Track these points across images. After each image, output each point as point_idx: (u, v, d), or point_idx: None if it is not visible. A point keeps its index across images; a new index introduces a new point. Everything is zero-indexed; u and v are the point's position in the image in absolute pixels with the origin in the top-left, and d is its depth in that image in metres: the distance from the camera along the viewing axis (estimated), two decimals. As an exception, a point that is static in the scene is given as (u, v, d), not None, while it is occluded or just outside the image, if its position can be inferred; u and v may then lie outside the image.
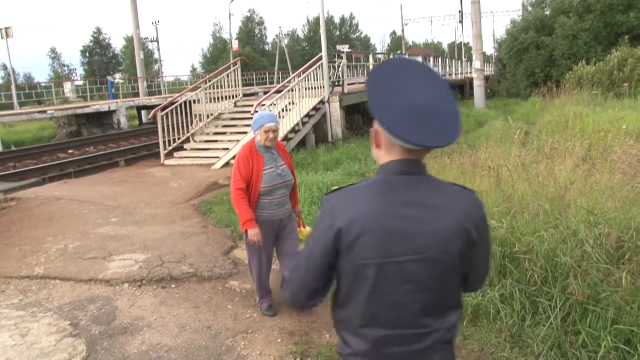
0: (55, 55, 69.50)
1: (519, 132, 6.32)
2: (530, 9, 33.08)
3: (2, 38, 22.79)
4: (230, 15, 44.28)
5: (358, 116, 20.09)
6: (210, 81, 14.23)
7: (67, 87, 35.25)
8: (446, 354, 1.69)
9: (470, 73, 33.88)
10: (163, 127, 12.39)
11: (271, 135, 3.92)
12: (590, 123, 11.99)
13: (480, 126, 18.52)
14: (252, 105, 11.94)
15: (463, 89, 33.55)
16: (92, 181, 10.71)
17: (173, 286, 5.28)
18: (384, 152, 1.63)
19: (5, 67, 64.42)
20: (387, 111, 1.51)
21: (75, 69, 69.52)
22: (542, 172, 4.97)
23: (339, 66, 14.92)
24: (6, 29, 22.78)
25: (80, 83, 40.24)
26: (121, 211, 8.09)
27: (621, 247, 3.69)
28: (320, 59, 13.59)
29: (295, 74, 13.41)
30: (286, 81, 13.69)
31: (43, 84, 39.15)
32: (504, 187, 4.62)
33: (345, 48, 16.93)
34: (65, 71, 68.63)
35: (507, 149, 6.38)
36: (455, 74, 35.69)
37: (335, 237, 1.60)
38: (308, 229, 4.60)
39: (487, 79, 30.59)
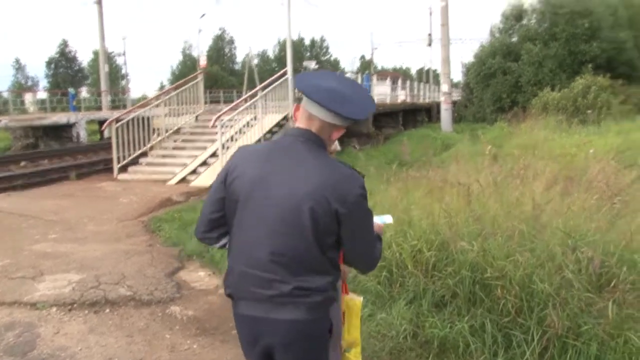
0: (19, 66, 67.88)
1: (490, 148, 5.96)
2: (497, 35, 33.53)
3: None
4: (199, 30, 43.78)
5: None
6: (170, 93, 13.66)
7: (28, 98, 34.10)
8: (298, 315, 1.86)
9: (438, 97, 34.07)
10: (118, 140, 11.77)
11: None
12: (557, 147, 11.88)
13: (447, 148, 18.38)
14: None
15: (430, 112, 33.67)
16: (37, 194, 10.01)
17: (107, 311, 4.70)
18: (297, 123, 2.00)
19: (-37, 78, 62.92)
20: (309, 86, 1.93)
21: (39, 81, 67.89)
22: (515, 191, 4.61)
23: (305, 83, 14.52)
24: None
25: (43, 95, 39.15)
26: (62, 226, 7.45)
27: (604, 274, 3.31)
28: (285, 73, 13.19)
29: (258, 87, 12.97)
30: (247, 95, 13.21)
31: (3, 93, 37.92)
32: (474, 206, 4.23)
33: (312, 64, 16.62)
34: (29, 82, 66.96)
35: (479, 165, 6.03)
36: (423, 98, 35.84)
37: (224, 175, 2.01)
38: (355, 296, 2.59)
39: (454, 103, 30.74)
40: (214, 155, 11.41)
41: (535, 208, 3.68)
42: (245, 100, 12.48)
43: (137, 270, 5.54)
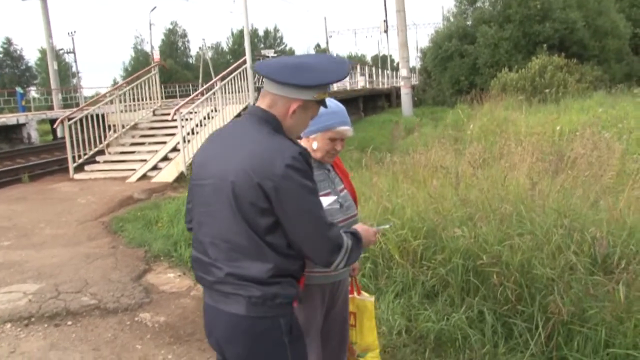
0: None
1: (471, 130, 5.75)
2: (452, 19, 33.67)
3: None
4: (150, 24, 42.63)
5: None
6: (124, 88, 13.06)
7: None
8: (239, 309, 1.75)
9: (396, 83, 34.06)
10: (72, 138, 11.19)
11: (339, 147, 2.39)
12: (522, 126, 11.85)
13: (410, 132, 18.25)
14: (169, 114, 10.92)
15: (389, 97, 33.63)
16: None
17: (69, 323, 4.30)
18: None
19: None
20: (261, 64, 1.87)
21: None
22: (498, 172, 4.40)
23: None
24: None
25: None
26: (16, 232, 6.94)
27: (611, 254, 3.13)
28: (244, 62, 12.77)
29: (216, 78, 12.50)
30: (205, 87, 12.72)
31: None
32: (461, 190, 4.00)
33: (270, 52, 16.20)
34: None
35: (447, 146, 5.82)
36: (382, 84, 35.81)
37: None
38: (366, 296, 2.68)
39: (413, 87, 30.75)
40: (174, 149, 10.95)
41: (532, 187, 3.46)
42: (203, 93, 12.01)
43: (101, 276, 5.14)
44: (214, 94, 11.91)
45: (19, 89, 29.41)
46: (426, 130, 17.58)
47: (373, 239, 2.06)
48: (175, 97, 34.51)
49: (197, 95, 12.18)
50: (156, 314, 4.38)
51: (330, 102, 2.43)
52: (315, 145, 2.36)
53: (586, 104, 16.19)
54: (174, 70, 55.94)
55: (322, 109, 2.45)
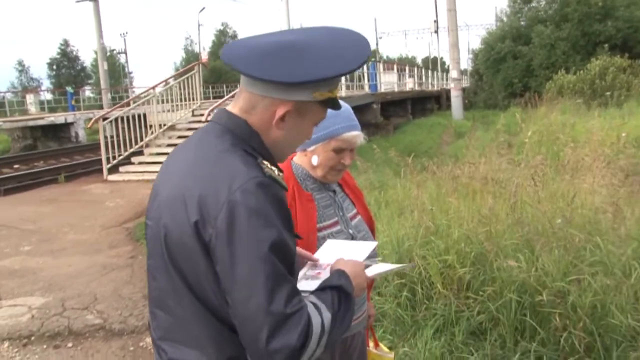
0: (22, 68, 67.22)
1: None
2: (505, 19, 32.40)
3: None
4: (199, 25, 42.99)
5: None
6: (165, 85, 12.82)
7: (30, 98, 33.43)
8: None
9: (446, 85, 33.07)
10: (107, 139, 10.98)
11: (347, 160, 1.79)
12: (582, 132, 10.94)
13: (460, 137, 17.43)
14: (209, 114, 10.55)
15: (439, 99, 32.66)
16: (19, 199, 9.22)
17: (69, 345, 3.88)
18: None
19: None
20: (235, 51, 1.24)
21: (42, 82, 67.30)
22: (562, 188, 3.73)
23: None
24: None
25: (48, 95, 38.55)
26: (39, 237, 6.65)
27: None
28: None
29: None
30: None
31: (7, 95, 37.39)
32: (517, 209, 3.36)
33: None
34: (32, 84, 66.33)
35: (500, 153, 5.15)
36: (432, 86, 34.89)
37: None
38: (385, 351, 2.17)
39: (463, 90, 29.71)
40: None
41: (616, 214, 2.79)
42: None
43: (112, 290, 4.72)
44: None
45: (69, 89, 29.98)
46: (477, 134, 16.74)
47: (358, 282, 1.36)
48: (222, 97, 34.38)
49: (235, 93, 11.76)
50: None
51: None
52: (315, 160, 1.79)
53: (653, 108, 15.02)
54: (223, 70, 56.22)
55: None
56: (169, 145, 12.05)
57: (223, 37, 73.94)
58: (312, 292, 1.22)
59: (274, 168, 1.18)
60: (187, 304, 1.17)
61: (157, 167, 9.87)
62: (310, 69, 1.15)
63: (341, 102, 1.86)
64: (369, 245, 1.61)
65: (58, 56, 64.55)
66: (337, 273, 1.29)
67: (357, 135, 1.77)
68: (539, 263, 2.99)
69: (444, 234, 3.58)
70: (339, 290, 1.23)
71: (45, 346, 3.89)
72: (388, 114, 23.53)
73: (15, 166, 16.48)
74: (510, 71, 28.82)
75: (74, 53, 65.68)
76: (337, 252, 1.55)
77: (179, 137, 12.36)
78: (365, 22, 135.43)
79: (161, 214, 1.20)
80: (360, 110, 19.01)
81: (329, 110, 1.76)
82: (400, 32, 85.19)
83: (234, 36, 75.92)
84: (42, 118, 21.84)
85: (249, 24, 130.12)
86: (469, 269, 3.28)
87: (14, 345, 3.93)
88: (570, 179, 3.83)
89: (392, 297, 3.60)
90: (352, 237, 1.81)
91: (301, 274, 1.50)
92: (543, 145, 9.82)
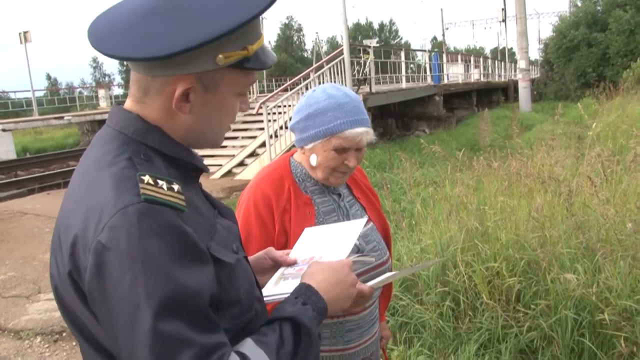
0: (96, 65, 70.27)
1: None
2: (579, 4, 30.68)
3: (21, 42, 22.02)
4: (262, 18, 43.26)
5: (390, 120, 18.44)
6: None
7: (101, 93, 34.74)
8: None
9: (514, 76, 31.77)
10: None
11: (351, 161, 1.49)
12: (662, 124, 10.07)
13: (527, 129, 16.60)
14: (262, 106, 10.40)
15: (507, 91, 31.43)
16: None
17: (98, 344, 3.78)
18: None
19: (49, 77, 66.11)
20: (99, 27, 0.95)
21: (113, 78, 70.08)
22: (632, 188, 3.27)
23: (364, 62, 13.28)
24: (24, 32, 22.00)
25: (119, 90, 39.95)
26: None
27: None
28: (341, 53, 11.99)
29: (310, 69, 11.82)
30: (297, 77, 12.07)
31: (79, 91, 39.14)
32: (577, 212, 2.94)
33: (372, 42, 15.27)
34: (105, 80, 69.19)
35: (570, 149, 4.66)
36: (498, 77, 33.64)
37: None
38: None
39: (532, 81, 28.40)
40: (263, 145, 10.42)
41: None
42: (295, 84, 11.38)
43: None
44: (306, 86, 11.24)
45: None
46: (546, 127, 15.91)
47: (366, 296, 1.14)
48: (285, 90, 34.51)
49: (288, 86, 11.58)
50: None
51: (335, 89, 1.54)
52: (314, 160, 1.51)
53: None
54: (288, 63, 56.57)
55: (321, 101, 1.48)
56: (226, 137, 12.03)
57: (288, 30, 74.35)
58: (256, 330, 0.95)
59: (162, 182, 0.86)
60: (88, 352, 0.91)
61: (210, 160, 9.83)
62: (199, 27, 0.85)
63: (349, 91, 1.55)
64: (357, 224, 1.30)
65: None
66: (296, 292, 1.00)
67: (362, 132, 1.47)
68: (601, 276, 2.58)
69: (492, 238, 3.21)
70: (292, 322, 0.93)
71: (74, 343, 3.81)
72: (452, 106, 22.85)
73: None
74: (584, 60, 27.24)
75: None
76: (318, 243, 1.27)
77: (234, 129, 12.33)
78: (432, 12, 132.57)
79: (50, 260, 0.95)
80: (422, 102, 18.50)
81: (330, 103, 1.48)
82: (468, 23, 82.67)
83: (299, 29, 76.24)
84: (107, 112, 22.50)
85: (314, 17, 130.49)
86: (518, 278, 2.90)
87: (45, 340, 3.89)
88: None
89: (434, 306, 3.27)
90: (359, 249, 1.52)
91: (278, 273, 1.22)
92: (616, 139, 9.06)
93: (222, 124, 1.01)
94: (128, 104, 0.97)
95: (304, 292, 0.99)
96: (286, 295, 1.01)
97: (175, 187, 0.87)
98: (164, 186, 0.85)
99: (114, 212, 0.81)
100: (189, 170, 0.98)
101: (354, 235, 1.25)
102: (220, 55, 0.89)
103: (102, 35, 0.91)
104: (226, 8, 0.87)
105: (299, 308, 0.95)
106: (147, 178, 0.85)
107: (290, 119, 1.68)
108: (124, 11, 0.91)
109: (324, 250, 1.24)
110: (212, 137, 1.01)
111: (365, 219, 1.33)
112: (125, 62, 1.01)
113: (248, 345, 0.88)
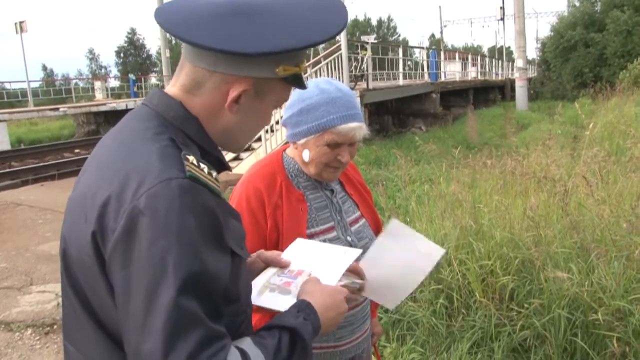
0: (92, 56, 69.95)
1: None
2: (577, 4, 30.69)
3: (17, 32, 21.86)
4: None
5: (387, 117, 18.42)
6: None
7: (97, 85, 34.67)
8: None
9: (511, 75, 31.80)
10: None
11: (344, 156, 1.48)
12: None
13: (523, 128, 16.61)
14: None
15: (503, 89, 31.46)
16: (71, 183, 9.34)
17: (90, 337, 3.76)
18: None
19: (45, 67, 65.83)
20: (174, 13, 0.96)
21: (110, 70, 69.77)
22: (627, 189, 3.27)
23: (362, 59, 13.24)
24: (20, 22, 21.83)
25: (116, 82, 39.93)
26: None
27: None
28: (339, 49, 11.94)
29: (307, 64, 11.75)
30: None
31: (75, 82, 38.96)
32: (571, 211, 2.94)
33: (370, 38, 15.21)
34: (101, 71, 68.89)
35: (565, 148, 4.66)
36: (496, 75, 33.65)
37: None
38: None
39: (529, 80, 28.43)
40: (259, 139, 10.38)
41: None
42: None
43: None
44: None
45: (131, 76, 30.79)
46: (542, 126, 15.94)
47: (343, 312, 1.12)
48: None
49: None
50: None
51: (328, 83, 1.53)
52: (306, 155, 1.49)
53: None
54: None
55: (313, 96, 1.47)
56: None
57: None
58: (255, 332, 0.96)
59: (204, 166, 0.89)
60: (86, 328, 0.92)
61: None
62: (277, 37, 0.90)
63: (342, 86, 1.54)
64: (351, 254, 1.29)
65: (125, 44, 66.63)
66: (297, 306, 1.02)
67: (355, 127, 1.46)
68: (595, 276, 2.58)
69: (487, 236, 3.20)
70: (291, 333, 0.94)
71: (65, 337, 3.79)
72: (448, 103, 22.86)
73: (76, 150, 17.02)
74: (581, 60, 27.32)
75: (140, 41, 67.65)
76: (310, 258, 1.26)
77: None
78: (430, 10, 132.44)
79: (65, 220, 0.97)
80: (419, 99, 18.49)
81: (323, 98, 1.47)
82: (466, 21, 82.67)
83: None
84: (104, 104, 22.43)
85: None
86: (512, 277, 2.89)
87: (36, 332, 3.87)
88: (635, 177, 3.36)
89: (428, 304, 3.26)
90: (351, 245, 1.51)
91: (263, 280, 1.20)
92: (612, 139, 9.08)
93: (255, 131, 1.06)
94: (172, 91, 0.99)
95: (305, 308, 1.02)
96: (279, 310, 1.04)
97: (214, 173, 0.91)
98: (205, 170, 0.89)
99: (157, 182, 0.83)
100: (215, 165, 0.99)
101: (346, 263, 1.25)
102: (281, 67, 0.95)
103: (181, 22, 0.92)
104: (308, 26, 0.93)
105: (301, 322, 0.97)
106: (191, 158, 0.88)
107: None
108: (202, 3, 0.93)
109: (315, 267, 1.22)
110: (242, 141, 1.05)
111: (360, 251, 1.32)
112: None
113: (247, 344, 0.90)
